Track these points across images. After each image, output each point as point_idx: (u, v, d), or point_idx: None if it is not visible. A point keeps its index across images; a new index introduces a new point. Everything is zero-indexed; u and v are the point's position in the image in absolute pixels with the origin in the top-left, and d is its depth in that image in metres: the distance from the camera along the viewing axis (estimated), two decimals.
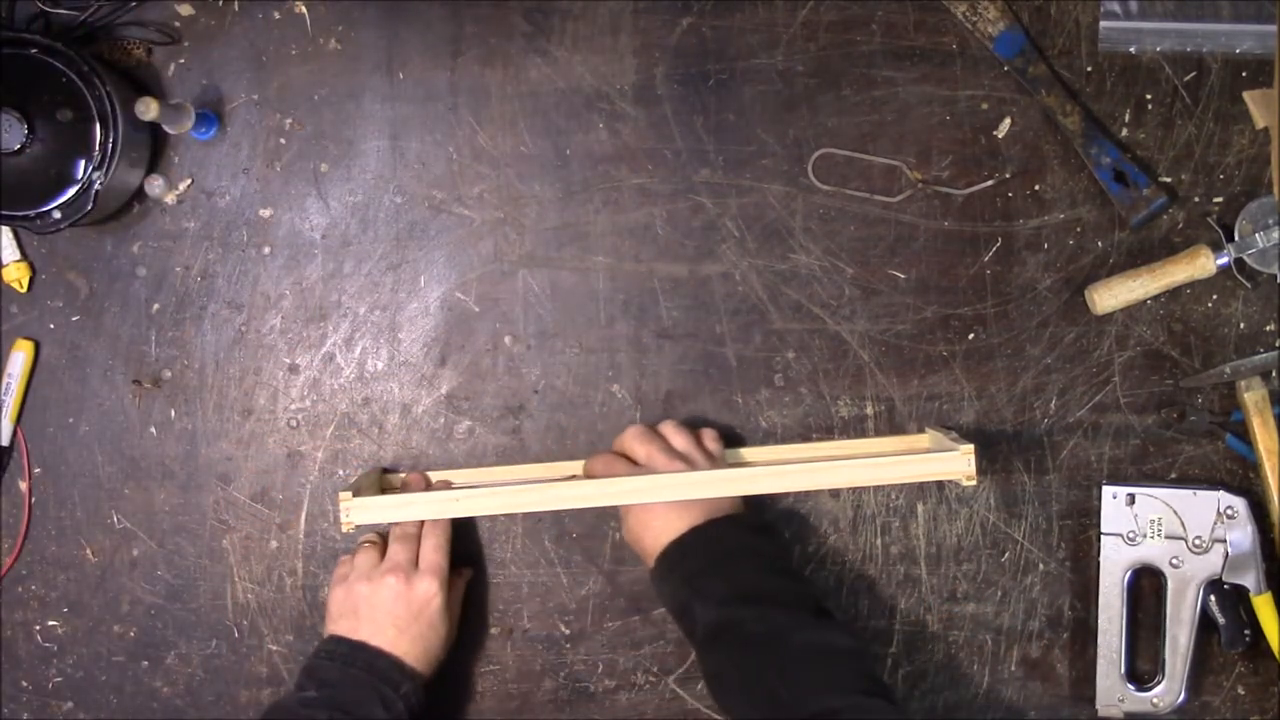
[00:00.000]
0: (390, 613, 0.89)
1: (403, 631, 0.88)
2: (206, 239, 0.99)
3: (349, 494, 0.88)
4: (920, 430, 0.97)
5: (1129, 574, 0.95)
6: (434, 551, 0.92)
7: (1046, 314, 0.97)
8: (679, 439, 0.93)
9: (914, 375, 0.97)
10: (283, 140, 0.98)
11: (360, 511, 0.88)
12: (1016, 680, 0.98)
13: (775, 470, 0.89)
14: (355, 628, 0.89)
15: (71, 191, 0.92)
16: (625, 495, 0.89)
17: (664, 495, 0.88)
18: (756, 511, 0.97)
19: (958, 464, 0.87)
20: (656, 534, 0.89)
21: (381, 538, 0.95)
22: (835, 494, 0.98)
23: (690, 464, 0.90)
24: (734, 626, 0.84)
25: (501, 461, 0.98)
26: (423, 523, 0.94)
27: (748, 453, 0.97)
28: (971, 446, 0.86)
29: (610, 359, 0.98)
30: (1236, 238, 0.94)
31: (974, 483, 0.87)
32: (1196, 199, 0.96)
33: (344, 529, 0.88)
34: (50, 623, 1.00)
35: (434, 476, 0.98)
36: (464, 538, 0.99)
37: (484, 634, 0.99)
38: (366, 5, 0.98)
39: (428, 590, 0.89)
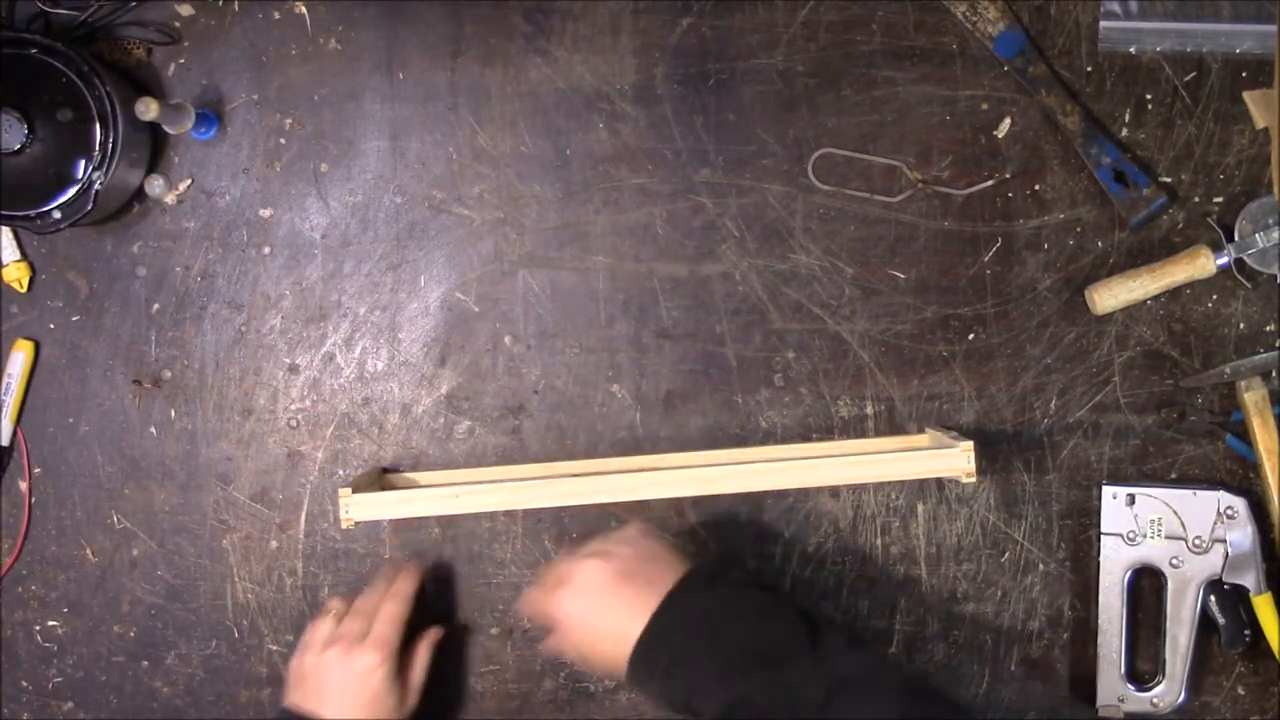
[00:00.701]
0: (333, 686, 0.88)
1: (345, 706, 0.88)
2: (206, 239, 0.99)
3: (349, 490, 0.88)
4: (920, 430, 0.97)
5: (1129, 574, 0.95)
6: (384, 623, 0.90)
7: (1046, 314, 0.97)
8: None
9: (914, 375, 0.97)
10: (283, 140, 0.98)
11: (360, 508, 0.88)
12: (1016, 680, 0.98)
13: (775, 468, 0.89)
14: (303, 699, 0.89)
15: (71, 191, 0.92)
16: (624, 492, 0.89)
17: (664, 492, 0.89)
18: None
19: (957, 461, 0.87)
20: (616, 640, 0.80)
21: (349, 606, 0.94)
22: (835, 494, 0.98)
23: (595, 554, 0.84)
24: (745, 707, 0.76)
25: (501, 461, 0.98)
26: (386, 593, 0.93)
27: (747, 453, 0.97)
28: (971, 443, 0.86)
29: (610, 359, 0.98)
30: (1236, 238, 0.94)
31: (974, 480, 0.87)
32: (1196, 199, 0.96)
33: (344, 525, 0.88)
34: (50, 623, 1.00)
35: (433, 477, 0.98)
36: (467, 537, 0.99)
37: (484, 634, 0.99)
38: (366, 5, 0.98)
39: (369, 663, 0.88)
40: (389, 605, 0.92)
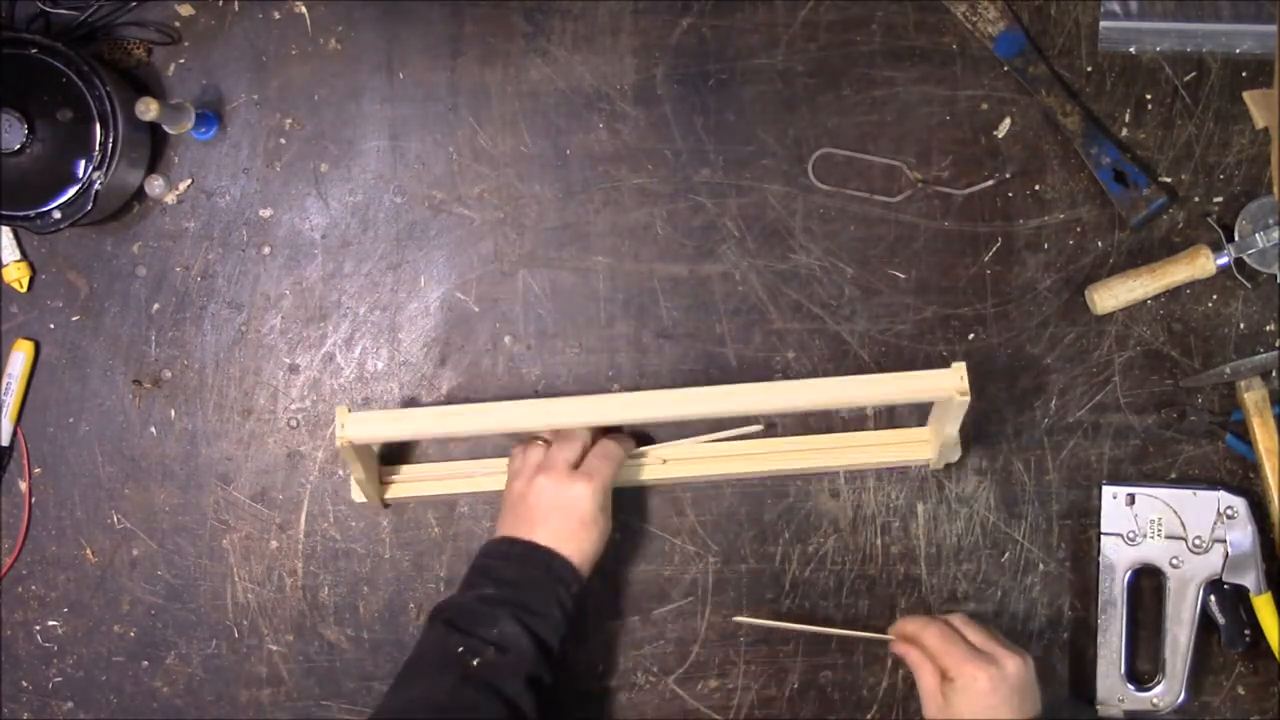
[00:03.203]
0: (545, 510, 0.89)
1: (556, 530, 0.88)
2: (206, 239, 0.99)
3: (345, 408, 0.87)
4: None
5: (1129, 574, 0.95)
6: (597, 458, 0.91)
7: (1046, 314, 0.97)
8: (978, 636, 0.89)
9: None
10: (283, 140, 0.98)
11: (355, 425, 0.87)
12: None
13: (764, 388, 0.88)
14: (515, 524, 0.89)
15: (71, 191, 0.92)
16: (609, 416, 0.89)
17: (646, 415, 0.89)
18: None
19: (949, 380, 0.86)
20: None
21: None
22: (835, 494, 0.98)
23: (995, 660, 0.86)
24: None
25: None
26: (600, 433, 0.94)
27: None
28: (963, 364, 0.86)
29: (610, 359, 0.98)
30: (1236, 238, 0.94)
31: (967, 398, 0.86)
32: (1196, 199, 0.96)
33: (338, 444, 0.87)
34: (50, 623, 1.00)
35: (430, 469, 0.98)
36: (466, 536, 0.99)
37: None
38: (366, 5, 0.98)
39: (579, 493, 0.89)
40: (607, 444, 0.93)
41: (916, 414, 0.98)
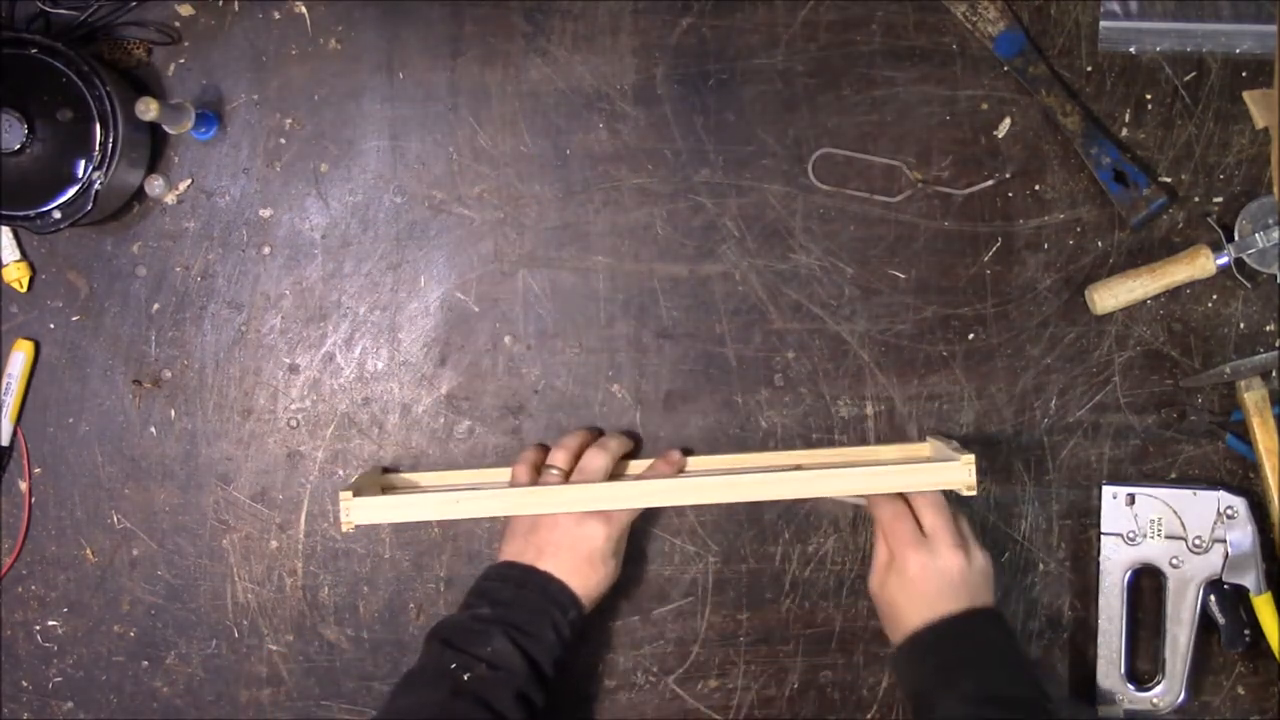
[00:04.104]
0: (556, 544, 0.89)
1: (564, 564, 0.89)
2: (206, 239, 0.99)
3: (349, 493, 0.88)
4: (920, 432, 0.97)
5: (1129, 574, 0.95)
6: None
7: (1046, 314, 0.97)
8: (931, 519, 0.89)
9: (914, 375, 0.97)
10: (283, 140, 0.98)
11: (361, 511, 0.88)
12: None
13: (775, 478, 0.88)
14: (523, 550, 0.90)
15: (71, 191, 0.92)
16: (621, 501, 0.89)
17: (661, 501, 0.89)
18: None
19: (958, 474, 0.86)
20: (918, 610, 0.87)
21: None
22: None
23: (932, 549, 0.86)
24: None
25: (501, 462, 0.98)
26: (615, 464, 0.94)
27: (747, 460, 0.97)
28: (972, 457, 0.86)
29: (610, 359, 0.98)
30: (1236, 238, 0.94)
31: (974, 493, 0.86)
32: (1196, 199, 0.96)
33: (344, 529, 0.88)
34: (50, 623, 1.00)
35: (434, 478, 0.98)
36: (467, 536, 0.99)
37: None
38: (366, 5, 0.98)
39: (592, 532, 0.89)
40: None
41: (916, 422, 0.98)
